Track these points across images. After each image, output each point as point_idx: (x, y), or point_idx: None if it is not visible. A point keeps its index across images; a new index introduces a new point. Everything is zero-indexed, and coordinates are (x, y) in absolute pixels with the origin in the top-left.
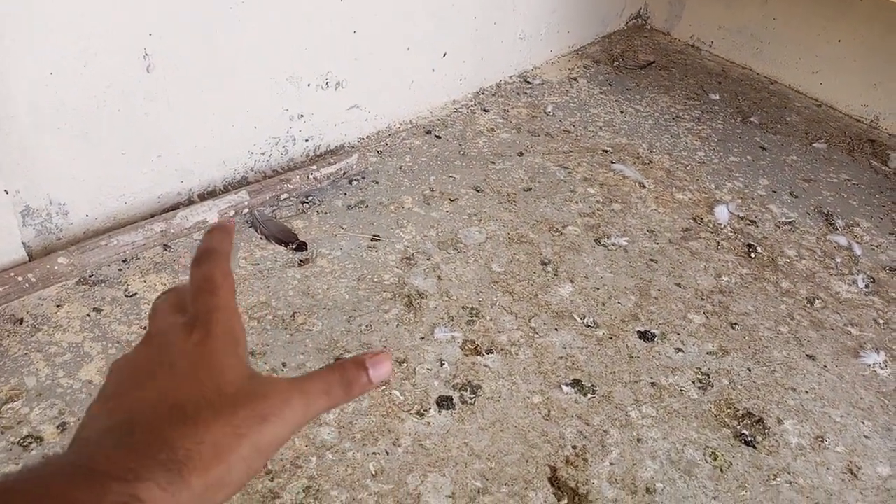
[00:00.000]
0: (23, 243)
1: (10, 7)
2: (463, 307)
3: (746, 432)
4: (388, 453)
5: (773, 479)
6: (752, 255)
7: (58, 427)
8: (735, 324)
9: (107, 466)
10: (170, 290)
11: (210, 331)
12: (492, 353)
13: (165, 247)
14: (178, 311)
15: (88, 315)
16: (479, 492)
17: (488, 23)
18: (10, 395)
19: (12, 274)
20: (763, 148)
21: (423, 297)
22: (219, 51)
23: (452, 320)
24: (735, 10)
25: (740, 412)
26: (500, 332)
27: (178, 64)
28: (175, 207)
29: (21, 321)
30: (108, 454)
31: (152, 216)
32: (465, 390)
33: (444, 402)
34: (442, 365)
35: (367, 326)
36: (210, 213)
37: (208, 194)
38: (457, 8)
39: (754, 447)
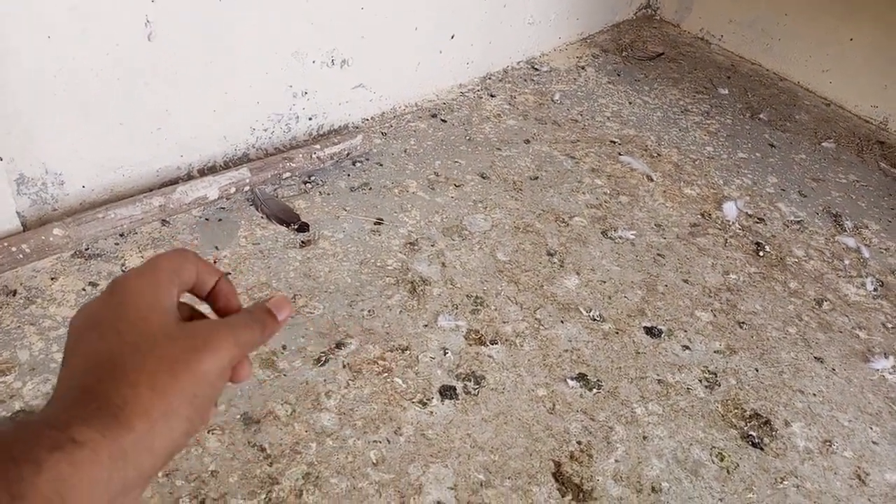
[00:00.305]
0: (17, 213)
1: None
2: (467, 295)
3: (754, 433)
4: (389, 442)
5: (780, 483)
6: (761, 253)
7: None
8: (743, 323)
9: (43, 420)
10: None
11: (125, 287)
12: (496, 343)
13: (164, 222)
14: None
15: (84, 289)
16: (481, 485)
17: (498, 6)
18: (2, 368)
19: (6, 244)
20: (772, 145)
21: (426, 284)
22: (223, 22)
23: (457, 308)
24: (746, 4)
25: (748, 413)
26: (504, 322)
27: (180, 33)
28: (174, 182)
29: (14, 293)
30: (44, 413)
31: (150, 190)
32: (469, 380)
33: (447, 392)
34: (445, 354)
35: (369, 311)
36: (210, 189)
37: (208, 170)
38: None
39: (761, 449)
